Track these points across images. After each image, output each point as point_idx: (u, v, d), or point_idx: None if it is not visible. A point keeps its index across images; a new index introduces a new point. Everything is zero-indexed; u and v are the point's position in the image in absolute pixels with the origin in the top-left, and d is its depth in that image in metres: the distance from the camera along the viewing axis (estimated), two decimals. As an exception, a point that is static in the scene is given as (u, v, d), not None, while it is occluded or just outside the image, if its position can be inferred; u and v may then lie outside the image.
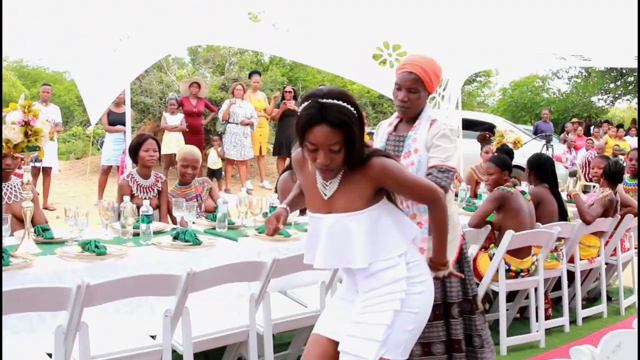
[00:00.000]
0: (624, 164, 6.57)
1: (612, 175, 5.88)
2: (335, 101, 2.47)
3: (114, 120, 9.91)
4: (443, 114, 8.48)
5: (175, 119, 10.83)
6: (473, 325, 3.61)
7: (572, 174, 12.52)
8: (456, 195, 6.10)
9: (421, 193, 2.71)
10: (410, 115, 3.49)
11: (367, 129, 6.51)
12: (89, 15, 5.87)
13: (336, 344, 2.70)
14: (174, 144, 10.55)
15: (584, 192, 6.60)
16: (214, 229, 4.42)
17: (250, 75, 12.41)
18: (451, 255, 3.40)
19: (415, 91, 3.38)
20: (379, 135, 3.69)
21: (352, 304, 2.75)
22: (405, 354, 2.66)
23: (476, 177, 7.26)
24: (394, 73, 3.54)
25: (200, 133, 11.33)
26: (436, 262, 2.87)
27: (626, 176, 6.93)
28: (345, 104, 2.48)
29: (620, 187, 6.19)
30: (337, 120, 2.45)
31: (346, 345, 2.64)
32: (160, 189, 5.13)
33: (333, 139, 2.47)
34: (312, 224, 2.76)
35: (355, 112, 2.51)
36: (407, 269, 2.66)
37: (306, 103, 2.51)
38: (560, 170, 12.38)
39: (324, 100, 2.47)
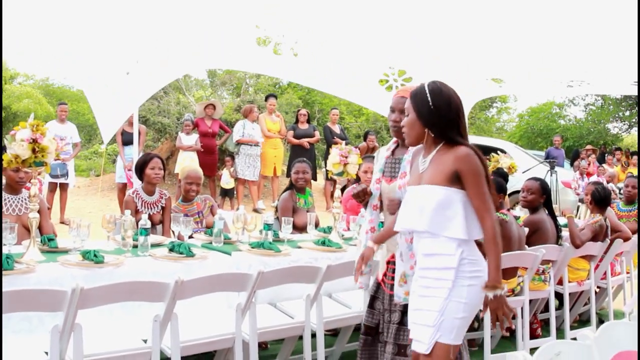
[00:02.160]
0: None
1: (600, 200, 6.08)
2: (423, 86, 3.12)
3: (128, 139, 10.16)
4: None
5: (190, 139, 11.18)
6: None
7: (583, 201, 12.61)
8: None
9: (478, 203, 3.00)
10: (403, 136, 3.73)
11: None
12: (104, 36, 6.19)
13: None
14: (188, 163, 10.84)
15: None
16: (211, 243, 4.70)
17: (266, 98, 12.73)
18: None
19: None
20: (378, 161, 3.93)
21: (413, 293, 3.18)
22: (458, 339, 3.03)
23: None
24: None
25: (215, 153, 11.67)
26: (489, 281, 3.00)
27: (620, 202, 7.11)
28: (425, 90, 3.09)
29: (611, 212, 6.38)
30: (411, 94, 3.14)
31: (412, 332, 3.14)
32: (164, 205, 5.43)
33: (403, 105, 3.24)
34: (405, 196, 3.25)
35: (429, 97, 3.07)
36: (461, 264, 3.00)
37: None
38: (570, 197, 12.52)
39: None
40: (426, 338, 3.00)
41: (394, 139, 3.85)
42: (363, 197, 3.79)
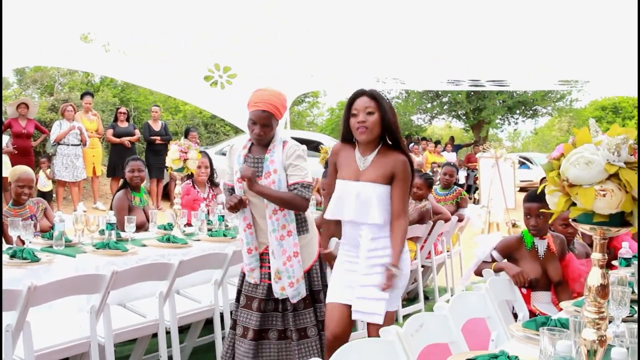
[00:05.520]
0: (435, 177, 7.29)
1: (430, 186, 6.63)
2: (376, 91, 3.48)
3: None
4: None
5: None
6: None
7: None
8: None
9: (399, 204, 3.49)
10: (264, 143, 3.85)
11: (200, 148, 6.78)
12: None
13: (349, 307, 3.46)
14: (-1, 166, 10.25)
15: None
16: (51, 247, 4.51)
17: (82, 97, 12.35)
18: (314, 253, 3.92)
19: (268, 125, 3.78)
20: (234, 155, 3.97)
21: (354, 273, 3.49)
22: (397, 306, 3.43)
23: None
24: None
25: (30, 155, 11.08)
26: (393, 261, 3.47)
27: (438, 187, 7.69)
28: (384, 95, 3.49)
29: (431, 197, 6.88)
30: (373, 93, 3.46)
31: (359, 305, 3.40)
32: (-8, 210, 5.12)
33: (369, 104, 3.43)
34: (341, 188, 3.57)
35: (387, 100, 3.49)
36: None
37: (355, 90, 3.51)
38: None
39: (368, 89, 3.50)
40: (381, 310, 3.35)
41: (248, 137, 3.94)
42: (239, 208, 3.85)
